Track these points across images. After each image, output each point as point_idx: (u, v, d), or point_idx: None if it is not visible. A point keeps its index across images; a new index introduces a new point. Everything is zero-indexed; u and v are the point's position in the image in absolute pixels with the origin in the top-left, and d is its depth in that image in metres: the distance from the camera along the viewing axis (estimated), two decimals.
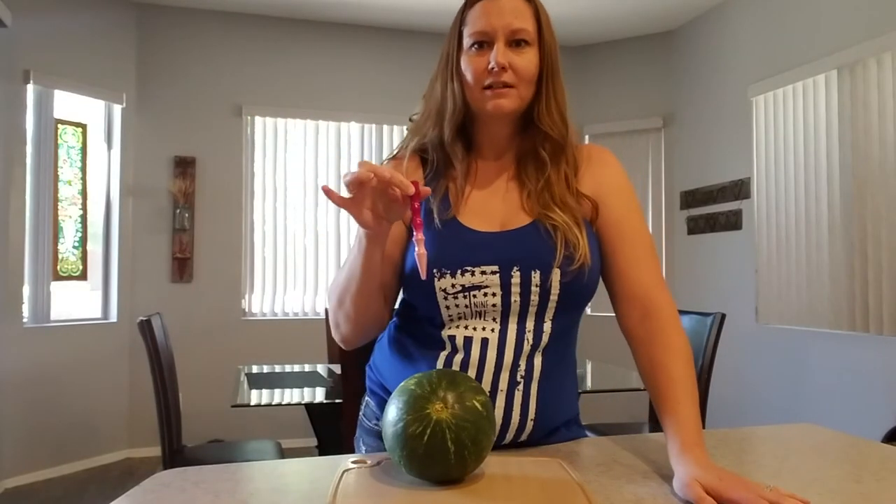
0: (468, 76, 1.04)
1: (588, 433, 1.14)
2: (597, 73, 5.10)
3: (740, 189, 4.17)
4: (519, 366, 1.00)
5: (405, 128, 4.72)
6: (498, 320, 1.00)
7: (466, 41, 1.04)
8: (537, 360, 1.01)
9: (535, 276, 0.99)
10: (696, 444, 0.86)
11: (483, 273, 0.99)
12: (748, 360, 4.06)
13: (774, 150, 3.89)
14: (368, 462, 0.89)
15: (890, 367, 3.18)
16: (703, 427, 0.93)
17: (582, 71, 5.12)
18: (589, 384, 2.80)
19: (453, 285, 0.99)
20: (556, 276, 0.99)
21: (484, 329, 1.00)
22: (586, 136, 5.03)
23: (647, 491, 0.83)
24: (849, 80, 3.40)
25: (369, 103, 4.85)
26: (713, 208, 4.41)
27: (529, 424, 1.01)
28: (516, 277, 0.99)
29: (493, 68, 1.00)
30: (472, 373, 1.00)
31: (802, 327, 3.67)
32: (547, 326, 1.02)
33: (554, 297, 1.00)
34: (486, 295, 1.00)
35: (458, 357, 1.01)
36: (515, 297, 1.00)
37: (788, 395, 3.78)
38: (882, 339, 3.21)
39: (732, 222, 4.23)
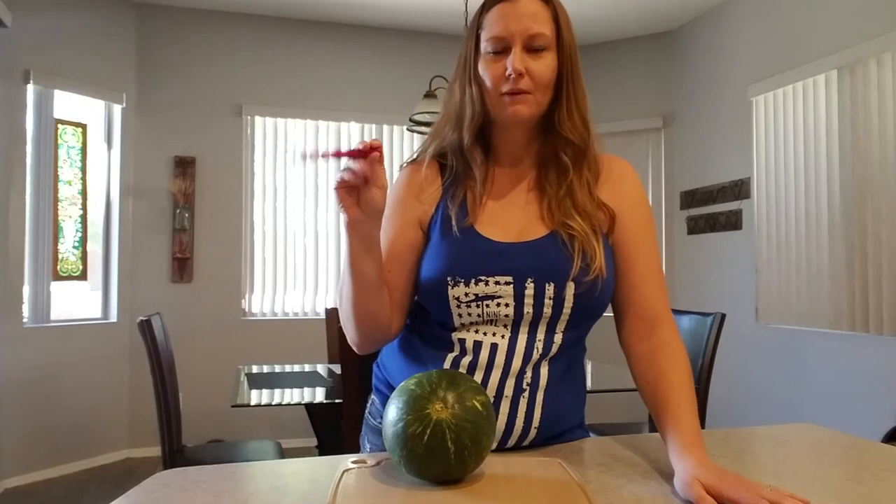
0: (486, 82, 1.02)
1: (589, 433, 1.14)
2: (597, 73, 5.09)
3: (740, 189, 4.17)
4: (525, 373, 1.00)
5: (405, 128, 4.70)
6: (509, 328, 1.00)
7: (483, 46, 1.03)
8: (544, 369, 1.01)
9: (549, 289, 0.99)
10: (696, 444, 0.86)
11: (497, 283, 0.99)
12: (748, 360, 4.06)
13: (774, 150, 3.89)
14: (368, 462, 0.89)
15: (890, 367, 3.18)
16: (703, 427, 0.94)
17: (582, 71, 5.11)
18: (589, 384, 2.80)
19: (466, 294, 0.99)
20: (570, 289, 0.99)
21: (494, 335, 1.00)
22: None
23: (648, 491, 0.83)
24: (849, 80, 3.40)
25: (369, 103, 4.85)
26: (713, 208, 4.41)
27: (533, 432, 1.01)
28: (530, 289, 0.99)
29: (510, 75, 0.99)
30: (478, 376, 1.00)
31: (802, 327, 3.67)
32: (558, 337, 1.02)
33: (567, 309, 1.00)
34: (498, 305, 0.99)
35: (466, 359, 1.01)
36: (528, 309, 0.99)
37: (788, 395, 3.78)
38: (882, 339, 3.21)
39: (732, 222, 4.23)
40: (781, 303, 3.81)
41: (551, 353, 1.01)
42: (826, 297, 3.51)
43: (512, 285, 0.99)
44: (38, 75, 3.94)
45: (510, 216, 1.05)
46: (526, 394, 1.00)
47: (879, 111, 3.23)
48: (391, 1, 4.44)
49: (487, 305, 0.99)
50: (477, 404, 0.81)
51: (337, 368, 3.12)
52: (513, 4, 1.01)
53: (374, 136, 4.89)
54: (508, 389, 0.99)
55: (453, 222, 1.03)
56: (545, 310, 0.99)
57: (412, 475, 0.81)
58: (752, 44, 4.12)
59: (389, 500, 0.77)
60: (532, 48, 1.00)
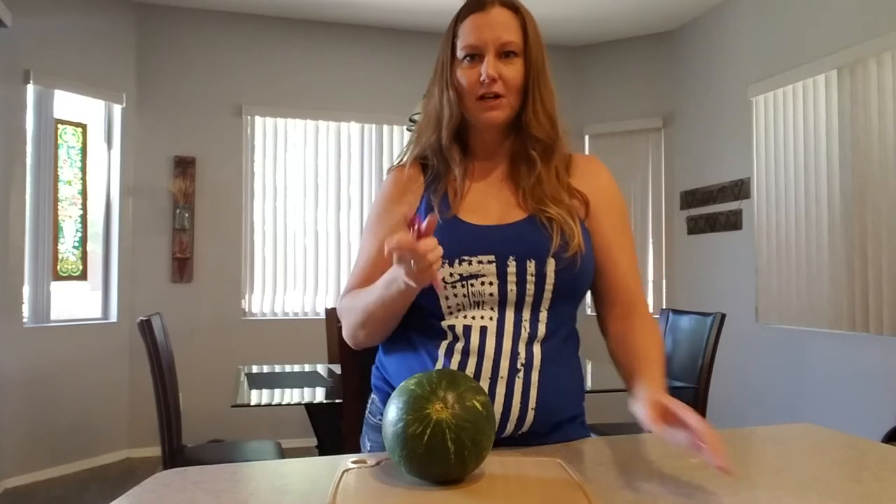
0: (462, 86, 1.11)
1: (590, 432, 1.15)
2: (596, 73, 5.10)
3: (740, 189, 4.17)
4: (518, 353, 1.04)
5: (405, 128, 4.71)
6: (495, 309, 1.05)
7: (459, 53, 1.11)
8: (536, 349, 1.05)
9: (531, 266, 1.04)
10: (662, 390, 0.94)
11: (480, 262, 1.04)
12: (748, 360, 4.06)
13: (774, 150, 3.89)
14: (368, 462, 0.89)
15: (890, 367, 3.18)
16: None
17: (581, 71, 5.12)
18: (589, 384, 2.79)
19: (451, 275, 1.04)
20: (550, 265, 1.05)
21: (482, 318, 1.05)
22: (586, 137, 5.03)
23: (648, 491, 0.83)
24: (849, 80, 3.40)
25: (369, 103, 4.85)
26: (713, 208, 4.41)
27: (530, 414, 1.03)
28: (512, 267, 1.04)
29: (484, 80, 1.08)
30: (473, 360, 1.03)
31: (802, 327, 3.67)
32: (543, 316, 1.06)
33: (549, 286, 1.05)
34: (483, 284, 1.04)
35: (459, 345, 1.04)
36: (511, 287, 1.04)
37: (788, 395, 3.78)
38: (882, 339, 3.21)
39: (732, 222, 4.23)
40: (781, 303, 3.81)
41: (540, 334, 1.06)
42: (826, 297, 3.51)
43: (494, 264, 1.04)
44: (38, 75, 3.94)
45: (490, 204, 1.13)
46: (521, 374, 1.03)
47: (879, 111, 3.23)
48: (391, 1, 4.45)
49: (472, 285, 1.04)
50: (477, 404, 0.81)
51: (337, 368, 3.12)
52: (485, 14, 1.10)
53: (373, 136, 4.89)
54: (503, 370, 1.03)
55: (436, 212, 1.06)
56: (528, 287, 1.05)
57: (412, 475, 0.81)
58: (752, 44, 4.12)
59: (389, 500, 0.77)
60: (503, 55, 1.09)
